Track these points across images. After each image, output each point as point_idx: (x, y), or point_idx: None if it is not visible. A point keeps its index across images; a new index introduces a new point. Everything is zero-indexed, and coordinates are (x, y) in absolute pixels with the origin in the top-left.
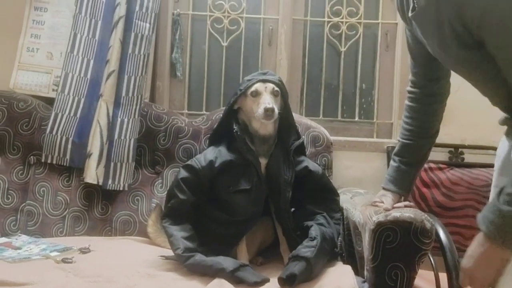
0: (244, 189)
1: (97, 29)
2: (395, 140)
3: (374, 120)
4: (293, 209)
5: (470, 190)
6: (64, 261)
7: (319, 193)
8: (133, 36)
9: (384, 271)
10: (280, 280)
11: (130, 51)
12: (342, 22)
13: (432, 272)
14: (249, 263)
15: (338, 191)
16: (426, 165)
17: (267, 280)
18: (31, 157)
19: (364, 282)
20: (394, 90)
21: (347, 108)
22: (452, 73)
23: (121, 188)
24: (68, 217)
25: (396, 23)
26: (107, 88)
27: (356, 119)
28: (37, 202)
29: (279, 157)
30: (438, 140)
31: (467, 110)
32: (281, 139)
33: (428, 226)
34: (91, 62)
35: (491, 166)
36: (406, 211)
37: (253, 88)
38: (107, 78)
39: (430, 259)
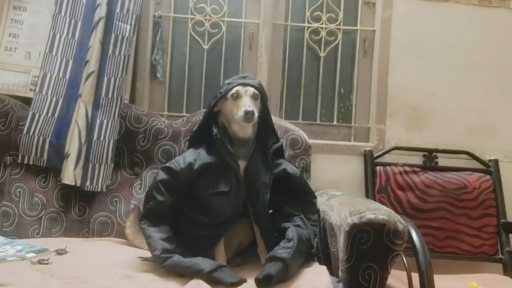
0: (222, 192)
1: (76, 29)
2: (372, 144)
3: (352, 124)
4: (271, 211)
5: (443, 193)
6: (40, 262)
7: (297, 195)
8: (113, 37)
9: (358, 272)
10: (257, 280)
11: (110, 52)
12: (321, 27)
13: (405, 272)
14: (226, 264)
15: (316, 193)
16: (401, 169)
17: (244, 281)
18: (7, 157)
19: (338, 282)
20: (371, 95)
21: (326, 112)
22: (427, 78)
23: (99, 190)
24: (45, 218)
25: (374, 30)
26: (86, 89)
27: (335, 122)
28: (13, 203)
29: (257, 160)
30: (413, 144)
31: (442, 115)
32: (260, 142)
33: (400, 228)
34: (70, 62)
35: (463, 169)
36: (381, 213)
37: (233, 91)
38: (86, 79)
39: (403, 259)
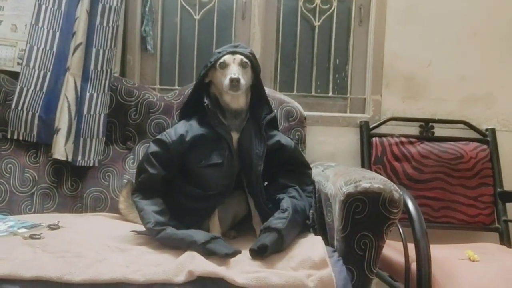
0: (215, 163)
1: None
2: (368, 115)
3: (348, 95)
4: (266, 183)
5: (439, 163)
6: (31, 237)
7: (291, 167)
8: (100, 7)
9: (353, 241)
10: (252, 251)
11: (97, 23)
12: None
13: (401, 243)
14: (221, 236)
15: (311, 165)
16: (397, 139)
17: (238, 252)
18: None
19: (334, 251)
20: (367, 66)
21: (321, 83)
22: (424, 47)
23: (91, 164)
24: (37, 194)
25: None
26: (74, 61)
27: (330, 94)
28: (4, 179)
29: (250, 131)
30: (409, 114)
31: (438, 84)
32: (253, 113)
33: (396, 196)
34: (57, 34)
35: (459, 139)
36: (376, 182)
37: (221, 60)
38: (74, 51)
39: (399, 229)
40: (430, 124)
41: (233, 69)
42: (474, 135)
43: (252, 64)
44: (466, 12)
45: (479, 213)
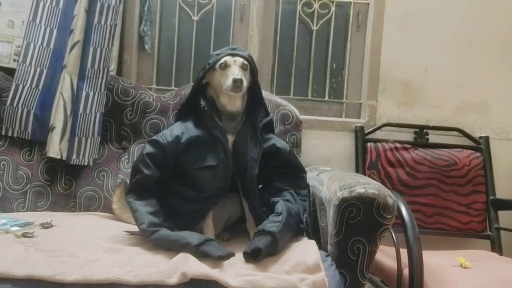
0: (210, 165)
1: None
2: (363, 120)
3: (344, 100)
4: (260, 185)
5: (433, 169)
6: (24, 235)
7: (286, 170)
8: (99, 5)
9: (347, 246)
10: (245, 254)
11: (95, 21)
12: (314, 0)
13: (394, 248)
14: (215, 238)
15: (306, 169)
16: (392, 145)
17: (232, 254)
18: None
19: (327, 256)
20: (363, 71)
21: (317, 87)
22: (420, 54)
23: (85, 163)
24: (30, 192)
25: (368, 3)
26: (71, 59)
27: (326, 98)
28: None
29: (246, 134)
30: (404, 120)
31: (433, 91)
32: (249, 116)
33: (390, 202)
34: (54, 31)
35: (453, 146)
36: (371, 187)
37: (222, 61)
38: (71, 49)
39: (392, 235)
40: (425, 130)
41: (235, 70)
42: (468, 142)
43: (251, 67)
44: (463, 20)
45: (471, 220)
